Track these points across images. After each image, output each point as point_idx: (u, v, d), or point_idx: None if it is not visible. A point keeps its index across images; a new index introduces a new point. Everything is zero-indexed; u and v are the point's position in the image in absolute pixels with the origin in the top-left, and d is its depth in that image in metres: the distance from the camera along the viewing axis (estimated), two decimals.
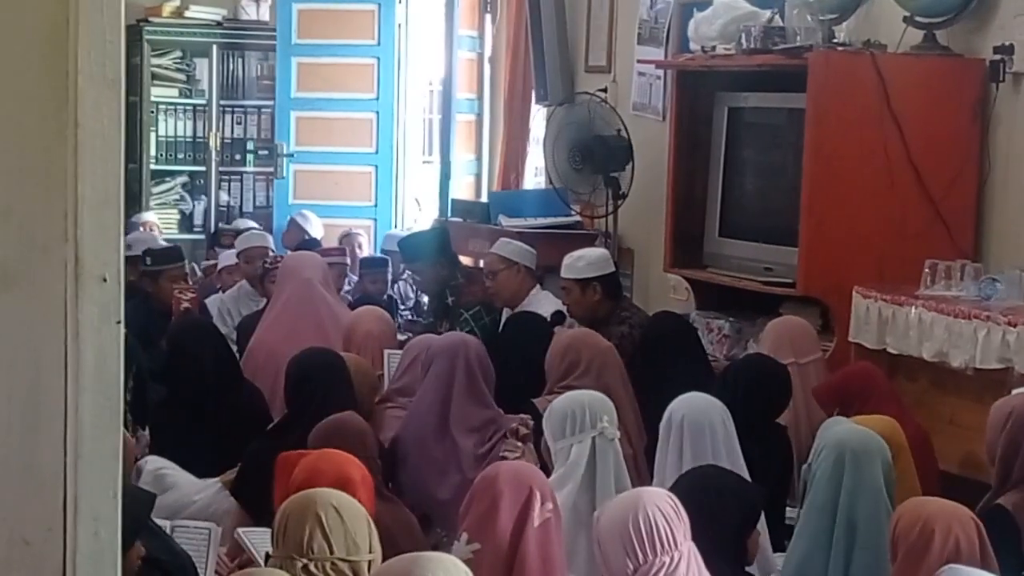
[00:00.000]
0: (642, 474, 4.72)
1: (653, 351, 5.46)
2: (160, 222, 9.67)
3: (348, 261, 8.04)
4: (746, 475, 4.01)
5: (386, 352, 5.41)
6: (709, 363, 5.66)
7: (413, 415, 4.79)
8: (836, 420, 4.21)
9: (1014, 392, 4.42)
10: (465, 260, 7.70)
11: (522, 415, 4.74)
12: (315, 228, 8.86)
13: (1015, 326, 4.70)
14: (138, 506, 3.29)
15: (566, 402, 4.09)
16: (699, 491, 3.49)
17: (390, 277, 8.14)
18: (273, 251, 7.89)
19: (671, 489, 3.43)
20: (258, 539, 3.76)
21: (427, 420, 4.74)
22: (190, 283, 7.25)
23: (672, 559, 3.06)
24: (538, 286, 6.66)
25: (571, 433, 3.99)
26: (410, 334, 6.32)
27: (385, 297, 7.88)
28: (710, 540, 3.25)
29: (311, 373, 4.66)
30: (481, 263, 7.47)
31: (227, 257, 7.89)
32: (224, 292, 7.51)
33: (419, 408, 4.79)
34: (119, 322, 2.03)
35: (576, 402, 4.07)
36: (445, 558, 2.77)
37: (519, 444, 4.59)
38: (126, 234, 9.08)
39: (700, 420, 4.08)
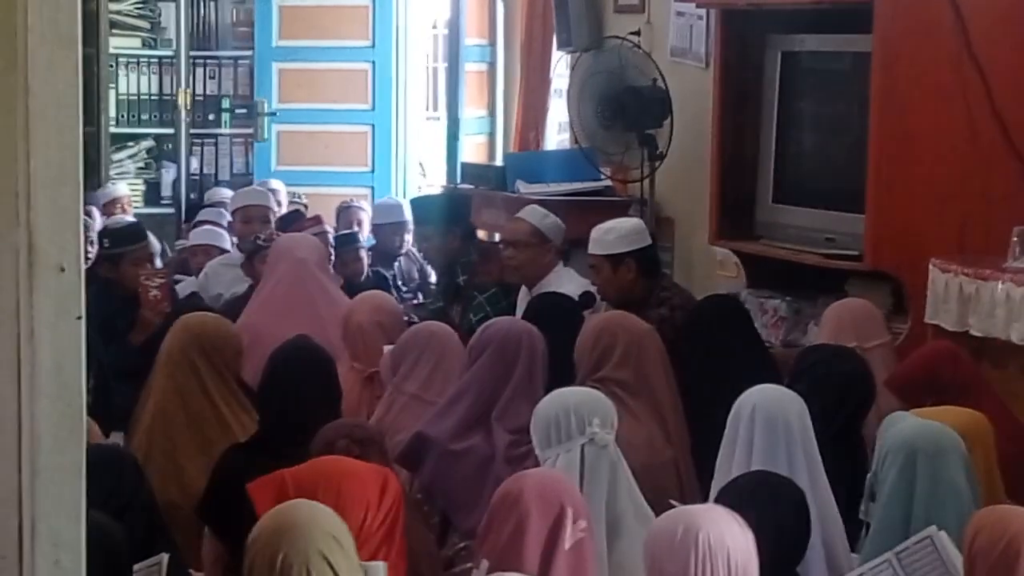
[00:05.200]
0: (685, 478, 4.75)
1: (700, 337, 5.45)
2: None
3: (328, 229, 7.99)
4: (825, 484, 3.99)
5: (386, 349, 5.39)
6: (768, 352, 5.66)
7: (449, 407, 4.74)
8: (899, 416, 4.17)
9: None
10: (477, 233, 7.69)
11: None
12: (282, 199, 8.75)
13: None
14: (110, 540, 3.26)
15: (549, 404, 4.04)
16: (749, 501, 3.49)
17: (365, 255, 8.04)
18: (275, 213, 7.87)
19: (717, 499, 3.43)
20: None
21: (468, 415, 4.72)
22: (158, 265, 7.22)
23: None
24: (560, 263, 6.65)
25: (557, 442, 3.92)
26: (415, 319, 6.28)
27: (365, 277, 7.78)
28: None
29: (290, 374, 4.61)
30: (497, 237, 7.45)
31: (199, 235, 7.85)
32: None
33: (460, 400, 4.76)
34: (80, 317, 2.04)
35: (559, 404, 4.00)
36: None
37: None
38: (106, 215, 8.92)
39: (773, 413, 4.01)
